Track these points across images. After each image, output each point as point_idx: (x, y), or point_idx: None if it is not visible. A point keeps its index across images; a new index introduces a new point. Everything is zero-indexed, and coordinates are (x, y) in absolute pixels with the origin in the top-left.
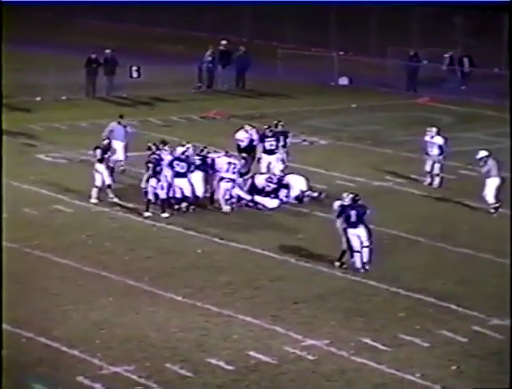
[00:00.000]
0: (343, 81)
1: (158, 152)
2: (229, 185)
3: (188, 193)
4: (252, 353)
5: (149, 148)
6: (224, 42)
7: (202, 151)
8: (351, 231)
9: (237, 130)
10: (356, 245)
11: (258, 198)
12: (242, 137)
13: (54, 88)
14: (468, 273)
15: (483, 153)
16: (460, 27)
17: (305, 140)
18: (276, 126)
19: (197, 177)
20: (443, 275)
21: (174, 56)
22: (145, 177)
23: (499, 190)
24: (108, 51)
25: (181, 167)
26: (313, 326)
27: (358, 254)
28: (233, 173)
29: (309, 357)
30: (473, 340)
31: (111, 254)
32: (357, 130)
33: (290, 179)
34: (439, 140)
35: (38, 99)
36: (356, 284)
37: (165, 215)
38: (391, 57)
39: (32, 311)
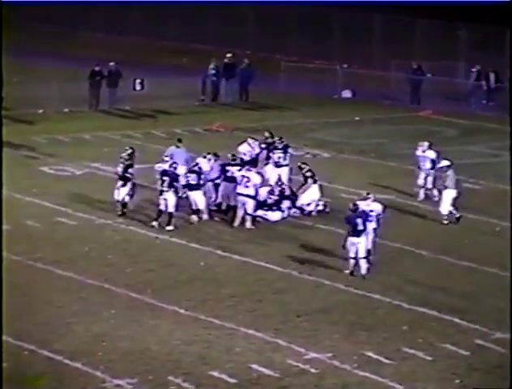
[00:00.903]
0: (347, 94)
1: (174, 166)
2: (242, 199)
3: (202, 206)
4: (254, 366)
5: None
6: (228, 55)
7: (234, 159)
8: (352, 239)
9: (240, 144)
10: (351, 253)
11: (259, 212)
12: (245, 150)
13: (57, 100)
14: (471, 287)
15: (445, 163)
16: (464, 41)
17: (308, 153)
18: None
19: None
20: (446, 289)
21: (178, 68)
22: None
23: (455, 202)
24: (111, 64)
25: (192, 179)
26: (316, 339)
27: (353, 260)
28: (246, 186)
29: (312, 371)
30: (476, 354)
31: (114, 266)
32: (361, 143)
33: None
34: (431, 154)
35: (41, 111)
36: (359, 298)
37: (170, 228)
38: (395, 70)
39: (35, 324)
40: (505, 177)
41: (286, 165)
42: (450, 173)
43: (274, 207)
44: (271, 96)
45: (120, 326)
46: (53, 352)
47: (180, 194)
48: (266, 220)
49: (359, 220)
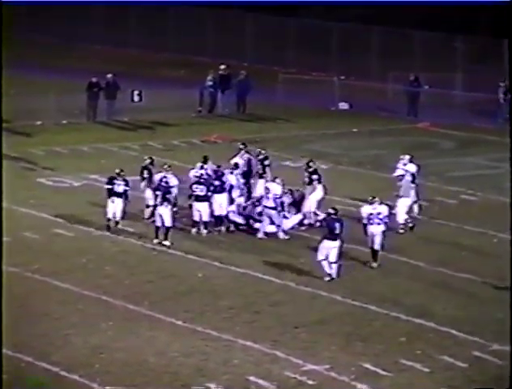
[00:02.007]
0: (344, 105)
1: (165, 180)
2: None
3: (206, 217)
4: (252, 378)
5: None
6: (223, 67)
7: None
8: (327, 243)
9: (233, 157)
10: (321, 255)
11: (256, 225)
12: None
13: (55, 112)
14: (469, 298)
15: (399, 172)
16: (461, 52)
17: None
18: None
19: (221, 198)
20: (444, 300)
21: (176, 80)
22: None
23: (409, 210)
24: (109, 75)
25: (200, 190)
26: (314, 350)
27: (325, 261)
28: (267, 198)
29: (310, 382)
30: (473, 366)
31: (111, 278)
32: (358, 155)
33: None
34: (412, 168)
35: (39, 123)
36: (357, 309)
37: (167, 243)
38: (392, 82)
39: (32, 335)
40: (502, 188)
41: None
42: (404, 182)
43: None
44: (269, 108)
45: (117, 337)
46: (50, 363)
47: (174, 209)
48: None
49: (337, 225)
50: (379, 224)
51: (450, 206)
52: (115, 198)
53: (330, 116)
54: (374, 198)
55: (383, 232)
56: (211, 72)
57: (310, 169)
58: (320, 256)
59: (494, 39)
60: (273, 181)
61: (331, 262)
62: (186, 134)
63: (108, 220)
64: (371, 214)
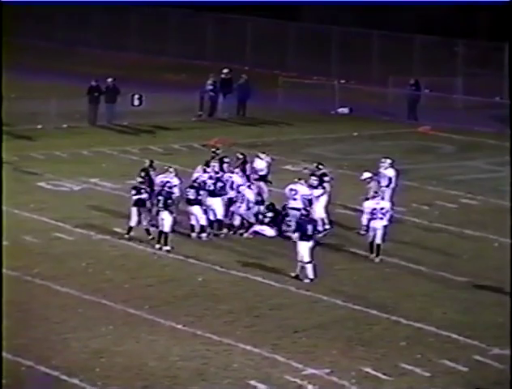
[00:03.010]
0: (344, 109)
1: (169, 184)
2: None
3: (203, 221)
4: (252, 382)
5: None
6: (225, 70)
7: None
8: (305, 244)
9: (252, 161)
10: (301, 256)
11: (257, 228)
12: (262, 166)
13: (55, 116)
14: (469, 302)
15: (366, 174)
16: (461, 56)
17: (305, 168)
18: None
19: (216, 201)
20: (444, 305)
21: (176, 84)
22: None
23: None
24: (109, 80)
25: (191, 193)
26: (314, 355)
27: (301, 263)
28: (294, 199)
29: (310, 386)
30: (474, 370)
31: (111, 282)
32: (358, 159)
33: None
34: (390, 172)
35: (39, 127)
36: (357, 313)
37: (167, 247)
38: (392, 86)
39: (32, 339)
40: (503, 192)
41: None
42: (372, 184)
43: (271, 223)
44: (269, 112)
45: (118, 341)
46: (50, 367)
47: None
48: (263, 235)
49: (309, 226)
50: (382, 218)
51: (450, 210)
52: (141, 207)
53: (330, 120)
54: (377, 192)
55: (385, 226)
56: (211, 76)
57: (320, 172)
58: (299, 257)
59: (494, 43)
60: (297, 182)
61: (306, 262)
62: (187, 138)
63: (130, 228)
64: (374, 209)
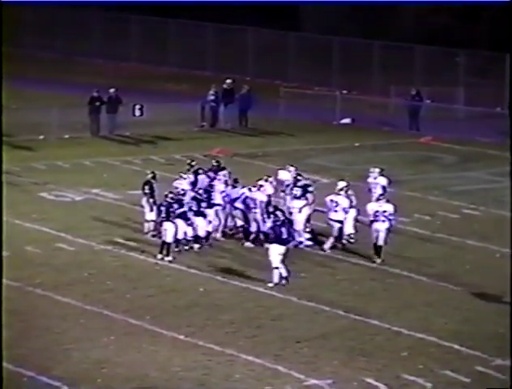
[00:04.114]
0: (346, 120)
1: (171, 195)
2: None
3: (201, 232)
4: None
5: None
6: (228, 81)
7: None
8: (277, 248)
9: (277, 173)
10: (275, 261)
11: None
12: (288, 177)
13: (57, 127)
14: (471, 313)
15: (342, 184)
16: (463, 67)
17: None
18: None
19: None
20: (446, 315)
21: (177, 94)
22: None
23: (356, 221)
24: (111, 90)
25: (194, 205)
26: (316, 365)
27: (277, 270)
28: (335, 211)
29: None
30: (476, 381)
31: (113, 292)
32: (360, 169)
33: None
34: (382, 181)
35: (41, 137)
36: (359, 323)
37: (169, 258)
38: (394, 97)
39: (34, 350)
40: (505, 202)
41: None
42: (350, 192)
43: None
44: (271, 122)
45: (119, 352)
46: (52, 378)
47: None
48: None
49: (283, 229)
50: (384, 221)
51: (452, 220)
52: (176, 220)
53: (332, 130)
54: (382, 195)
55: (388, 229)
56: (213, 86)
57: (301, 182)
58: (274, 264)
59: (495, 53)
60: (338, 194)
61: (273, 267)
62: (188, 148)
63: (164, 243)
64: (377, 211)
